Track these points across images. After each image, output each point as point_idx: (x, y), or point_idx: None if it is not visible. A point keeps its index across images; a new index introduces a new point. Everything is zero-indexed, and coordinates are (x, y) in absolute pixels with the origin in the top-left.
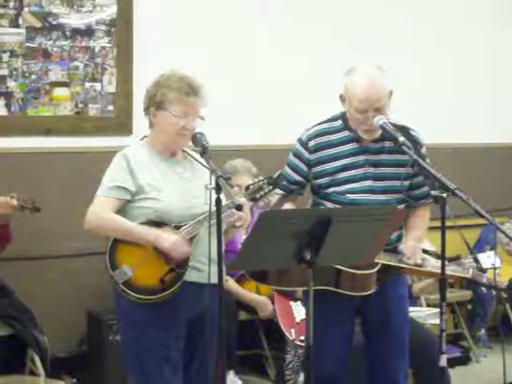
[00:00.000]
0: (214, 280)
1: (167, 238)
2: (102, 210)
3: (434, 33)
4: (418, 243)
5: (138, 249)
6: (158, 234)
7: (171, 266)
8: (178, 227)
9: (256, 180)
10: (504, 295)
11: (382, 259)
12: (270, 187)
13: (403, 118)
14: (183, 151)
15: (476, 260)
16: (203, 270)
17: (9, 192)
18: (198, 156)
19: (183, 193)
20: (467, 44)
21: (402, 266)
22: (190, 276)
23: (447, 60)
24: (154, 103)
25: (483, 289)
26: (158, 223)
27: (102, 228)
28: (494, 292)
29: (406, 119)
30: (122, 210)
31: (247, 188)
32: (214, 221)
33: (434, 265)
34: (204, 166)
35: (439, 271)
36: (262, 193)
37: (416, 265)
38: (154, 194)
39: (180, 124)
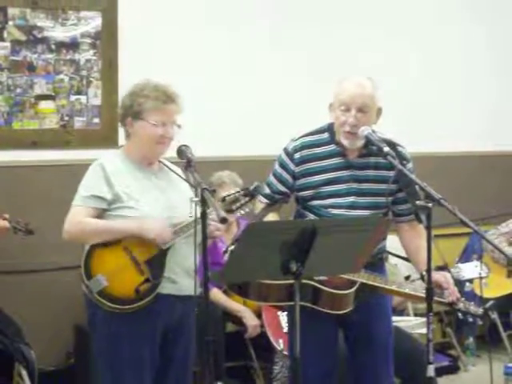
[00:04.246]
0: (190, 292)
1: (151, 227)
2: (78, 218)
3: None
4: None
5: (113, 258)
6: (140, 223)
7: (146, 276)
8: None
9: (232, 192)
10: (480, 322)
11: (361, 277)
12: (247, 199)
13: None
14: (159, 162)
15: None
16: (178, 282)
17: (1, 214)
18: (174, 167)
19: (160, 203)
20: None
21: (381, 286)
22: (165, 288)
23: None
24: (131, 114)
25: (459, 314)
26: None
27: (83, 232)
28: (470, 319)
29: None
30: (99, 218)
31: (223, 199)
32: (191, 231)
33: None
34: (180, 176)
35: (422, 295)
36: (238, 204)
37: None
38: (131, 203)
39: (158, 133)
